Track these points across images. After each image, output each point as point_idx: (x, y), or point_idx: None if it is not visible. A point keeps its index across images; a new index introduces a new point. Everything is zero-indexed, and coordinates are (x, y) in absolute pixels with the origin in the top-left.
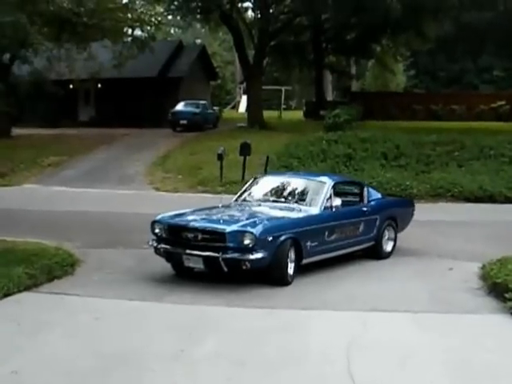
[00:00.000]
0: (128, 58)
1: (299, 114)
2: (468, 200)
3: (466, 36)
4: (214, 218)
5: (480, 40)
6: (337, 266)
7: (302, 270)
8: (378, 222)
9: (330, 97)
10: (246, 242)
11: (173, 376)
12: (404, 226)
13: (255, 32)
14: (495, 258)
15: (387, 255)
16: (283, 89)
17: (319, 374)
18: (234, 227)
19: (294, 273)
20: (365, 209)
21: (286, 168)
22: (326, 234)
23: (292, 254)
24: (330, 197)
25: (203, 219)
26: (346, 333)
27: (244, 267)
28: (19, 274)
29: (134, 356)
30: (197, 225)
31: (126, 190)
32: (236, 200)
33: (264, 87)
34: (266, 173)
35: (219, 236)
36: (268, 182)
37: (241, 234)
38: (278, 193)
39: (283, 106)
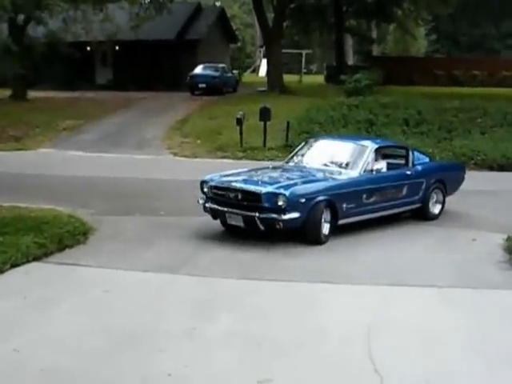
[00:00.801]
0: (145, 19)
1: (320, 79)
2: (491, 168)
3: (488, 0)
4: (255, 179)
5: (501, 4)
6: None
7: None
8: (424, 185)
9: (350, 61)
10: (279, 203)
11: (182, 357)
12: (454, 189)
13: None
14: None
15: (435, 217)
16: (304, 53)
17: (337, 358)
18: (269, 189)
19: (329, 233)
20: (409, 172)
21: (307, 134)
22: (364, 196)
23: (327, 215)
24: (372, 160)
25: (244, 180)
26: (366, 310)
27: (278, 226)
28: (28, 243)
29: (144, 334)
30: (237, 185)
31: (143, 155)
32: (287, 162)
33: (284, 51)
34: (287, 139)
35: (256, 197)
36: (317, 146)
37: (274, 195)
38: (323, 156)
39: (304, 70)
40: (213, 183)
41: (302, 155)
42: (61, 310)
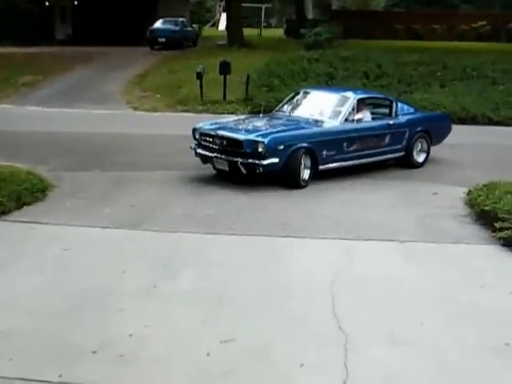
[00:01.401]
0: None
1: (280, 32)
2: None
3: None
4: (239, 127)
5: None
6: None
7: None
8: (407, 135)
9: (310, 15)
10: (259, 149)
11: (143, 317)
12: (439, 139)
13: None
14: (481, 183)
15: (419, 165)
16: (263, 6)
17: (301, 315)
18: (250, 136)
19: (309, 178)
20: (391, 122)
21: (267, 87)
22: (345, 144)
23: (307, 161)
24: (354, 111)
25: (229, 128)
26: (329, 265)
27: (258, 171)
28: None
29: (104, 293)
30: (223, 133)
31: (102, 110)
32: (277, 111)
33: (244, 5)
34: (246, 93)
35: (238, 143)
36: (304, 96)
37: (255, 142)
38: (309, 106)
39: (263, 24)
40: (202, 130)
41: (290, 105)
42: (18, 270)
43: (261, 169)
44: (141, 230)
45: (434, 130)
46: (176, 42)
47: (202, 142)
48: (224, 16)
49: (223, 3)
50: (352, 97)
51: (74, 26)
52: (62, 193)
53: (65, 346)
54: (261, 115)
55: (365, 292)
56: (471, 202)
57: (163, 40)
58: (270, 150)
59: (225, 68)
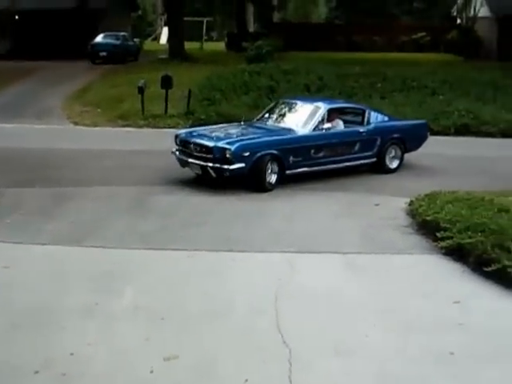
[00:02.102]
0: None
1: (221, 46)
2: None
3: None
4: (213, 135)
5: None
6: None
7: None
8: (378, 142)
9: (251, 28)
10: (227, 155)
11: (85, 335)
12: (415, 146)
13: None
14: (423, 193)
15: (392, 171)
16: (205, 20)
17: (245, 330)
18: (219, 144)
19: (276, 182)
20: (362, 130)
21: (209, 101)
22: (313, 151)
23: (274, 167)
24: (324, 119)
25: (203, 136)
26: (273, 278)
27: (226, 174)
28: None
29: (44, 311)
30: (196, 140)
31: (43, 125)
32: (257, 120)
33: (185, 18)
34: (188, 107)
35: (209, 150)
36: (281, 106)
37: (223, 149)
38: (283, 115)
39: (205, 38)
40: (181, 137)
41: (268, 114)
42: None
43: (228, 173)
44: (82, 247)
45: (408, 137)
46: (117, 56)
47: (181, 148)
48: (165, 30)
49: (165, 17)
50: (323, 107)
51: (14, 41)
52: (2, 209)
53: (6, 367)
54: (242, 123)
55: (309, 305)
56: (413, 212)
57: (104, 54)
58: (237, 156)
59: (166, 82)
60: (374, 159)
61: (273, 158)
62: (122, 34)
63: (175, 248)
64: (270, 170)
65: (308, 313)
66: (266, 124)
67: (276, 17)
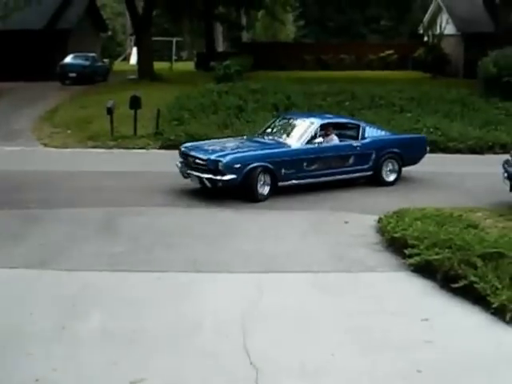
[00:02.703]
0: (14, 9)
1: (191, 66)
2: None
3: None
4: (210, 148)
5: None
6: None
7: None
8: (373, 156)
9: (220, 48)
10: (219, 167)
11: (51, 360)
12: (413, 160)
13: None
14: (391, 210)
15: (389, 184)
16: (174, 40)
17: (212, 351)
18: (212, 156)
19: (268, 193)
20: (356, 144)
21: (178, 121)
22: (305, 164)
23: (267, 178)
24: (317, 134)
25: (201, 149)
26: (241, 299)
27: (219, 185)
28: None
29: (10, 336)
30: (194, 153)
31: (12, 147)
32: (259, 134)
33: (154, 38)
34: (157, 127)
35: (204, 162)
36: (280, 121)
37: (216, 161)
38: (280, 130)
39: (174, 58)
40: (183, 150)
41: (268, 128)
42: None
43: (221, 183)
44: (50, 270)
45: (405, 151)
46: (87, 77)
47: (182, 160)
48: (135, 50)
49: (134, 37)
50: (316, 122)
51: None
52: None
53: None
54: (244, 137)
55: (276, 325)
56: (382, 229)
57: (74, 75)
58: (228, 168)
59: (135, 103)
60: (370, 172)
61: (264, 170)
62: (92, 54)
63: (141, 270)
64: (262, 182)
65: (275, 333)
66: (263, 138)
67: (245, 36)
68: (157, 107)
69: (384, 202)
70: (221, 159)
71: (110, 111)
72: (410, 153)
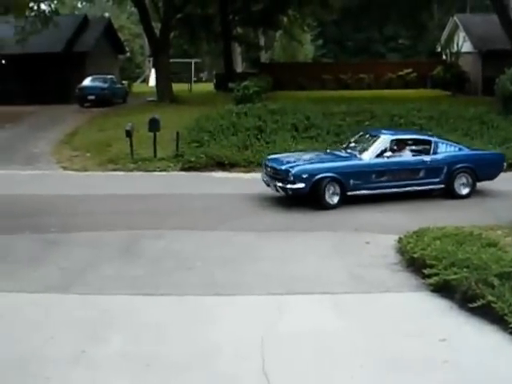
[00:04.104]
0: (32, 33)
1: (210, 87)
2: None
3: (370, 6)
4: (285, 160)
5: (383, 9)
6: None
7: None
8: (445, 170)
9: (239, 68)
10: (289, 177)
11: None
12: (489, 175)
13: (161, 5)
14: (411, 230)
15: (463, 197)
16: (193, 61)
17: (231, 375)
18: (284, 167)
19: (338, 201)
20: (426, 159)
21: (197, 143)
22: (374, 176)
23: (336, 188)
24: (387, 148)
25: (278, 160)
26: (260, 321)
27: (289, 193)
28: None
29: (30, 361)
30: (271, 164)
31: (32, 171)
32: (342, 148)
33: (173, 60)
34: (177, 149)
35: (278, 172)
36: (359, 137)
37: (287, 171)
38: (357, 144)
39: (194, 79)
40: (265, 161)
41: (349, 143)
42: None
43: (290, 192)
44: (70, 294)
45: (478, 167)
46: (105, 100)
47: (265, 171)
48: (154, 72)
49: (152, 59)
50: (387, 137)
51: (1, 85)
52: None
53: None
54: (327, 151)
55: (295, 348)
56: (402, 249)
57: (92, 97)
58: (297, 178)
59: (154, 125)
60: (442, 186)
61: (332, 180)
62: (110, 76)
63: (161, 293)
64: (331, 191)
65: (294, 356)
66: (340, 151)
67: (264, 57)
68: (176, 129)
69: (404, 221)
70: (290, 169)
71: (129, 134)
72: (484, 168)
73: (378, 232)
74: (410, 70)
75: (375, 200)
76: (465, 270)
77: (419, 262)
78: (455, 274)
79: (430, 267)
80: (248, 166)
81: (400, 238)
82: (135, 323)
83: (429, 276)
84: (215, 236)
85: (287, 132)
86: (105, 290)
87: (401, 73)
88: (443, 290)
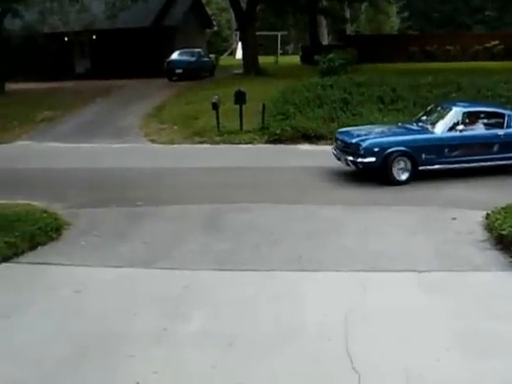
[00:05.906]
0: (121, 8)
1: (296, 59)
2: None
3: None
4: (356, 133)
5: None
6: None
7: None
8: None
9: (325, 41)
10: (360, 150)
11: (152, 362)
12: None
13: None
14: (499, 206)
15: None
16: (279, 34)
17: (314, 356)
18: (354, 140)
19: (408, 178)
20: (500, 133)
21: (283, 115)
22: (446, 150)
23: (407, 163)
24: (459, 121)
25: (349, 134)
26: (344, 299)
27: (360, 166)
28: None
29: (112, 338)
30: (342, 137)
31: (121, 144)
32: (414, 121)
33: (259, 33)
34: (263, 122)
35: (349, 145)
36: (432, 110)
37: (357, 145)
38: (430, 118)
39: (280, 52)
40: (335, 135)
41: (421, 116)
42: (26, 316)
43: (361, 165)
44: (154, 269)
45: None
46: (193, 73)
47: (336, 144)
48: (240, 45)
49: (239, 32)
50: (458, 110)
51: (92, 60)
52: (77, 231)
53: None
54: (399, 124)
55: (379, 327)
56: (489, 226)
57: (180, 71)
58: (367, 151)
59: (240, 98)
60: None
61: (402, 154)
62: (197, 50)
63: (246, 269)
64: (401, 166)
65: (378, 335)
66: (411, 125)
67: (349, 29)
68: (262, 102)
69: (492, 197)
70: (361, 143)
71: (215, 106)
72: None
73: (465, 208)
74: (496, 42)
75: (454, 175)
76: None
77: (508, 239)
78: None
79: None
80: None
81: (488, 215)
82: (218, 300)
83: None
84: (300, 209)
85: (373, 104)
86: (189, 264)
87: (487, 45)
88: None
